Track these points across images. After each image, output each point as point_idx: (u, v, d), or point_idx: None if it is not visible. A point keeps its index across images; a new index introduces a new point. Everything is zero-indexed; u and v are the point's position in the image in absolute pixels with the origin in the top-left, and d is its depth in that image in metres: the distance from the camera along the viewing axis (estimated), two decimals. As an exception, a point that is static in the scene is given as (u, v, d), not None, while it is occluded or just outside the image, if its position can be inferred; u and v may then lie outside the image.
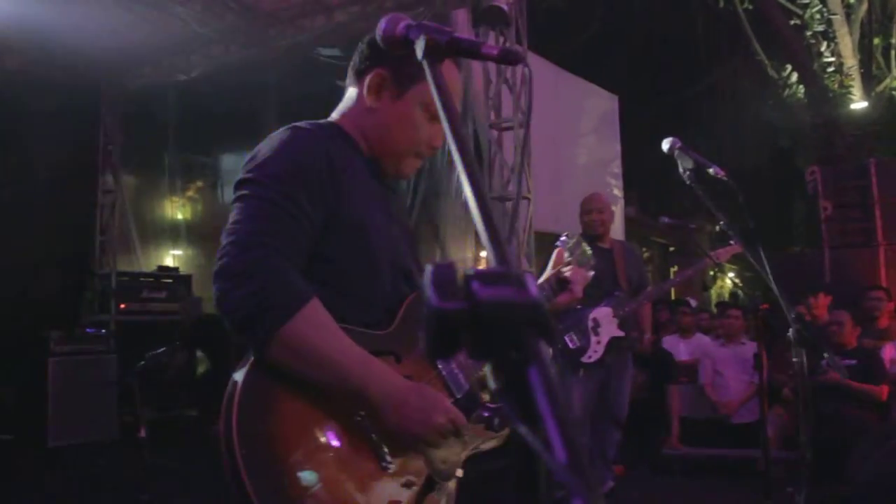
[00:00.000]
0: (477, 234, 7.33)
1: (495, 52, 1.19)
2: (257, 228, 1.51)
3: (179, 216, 10.21)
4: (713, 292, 17.99)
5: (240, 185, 1.60)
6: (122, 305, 8.36)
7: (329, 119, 1.82)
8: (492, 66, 7.21)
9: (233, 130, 9.58)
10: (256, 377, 1.45)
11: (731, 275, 19.83)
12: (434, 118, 1.73)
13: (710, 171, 2.98)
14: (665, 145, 3.04)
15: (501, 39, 7.14)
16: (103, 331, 7.94)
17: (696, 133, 17.64)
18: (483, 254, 6.96)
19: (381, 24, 1.21)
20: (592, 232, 5.07)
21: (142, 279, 8.80)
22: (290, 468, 1.40)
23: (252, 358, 1.47)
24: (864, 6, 12.84)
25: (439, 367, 1.69)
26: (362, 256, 1.65)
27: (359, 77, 1.78)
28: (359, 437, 1.51)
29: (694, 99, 16.78)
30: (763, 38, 13.63)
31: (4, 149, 8.38)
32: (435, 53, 1.12)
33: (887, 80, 13.07)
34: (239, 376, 1.45)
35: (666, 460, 6.53)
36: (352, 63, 1.82)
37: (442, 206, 7.11)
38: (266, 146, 1.64)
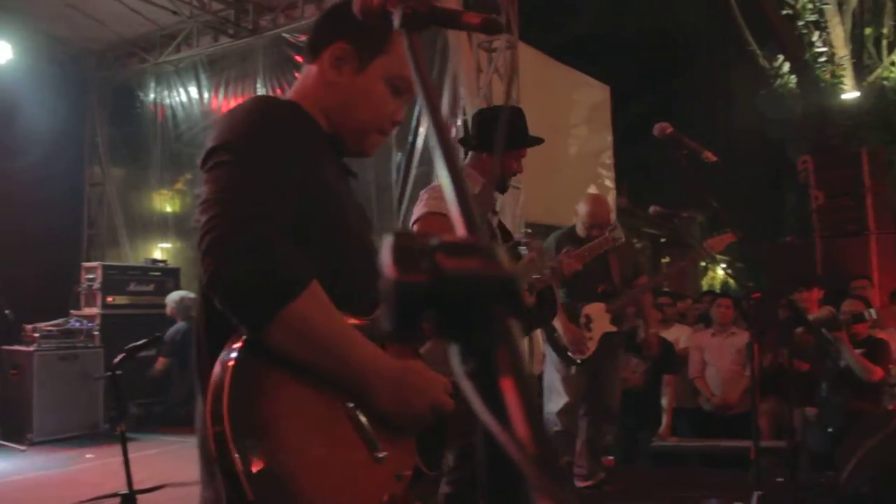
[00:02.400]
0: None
1: (476, 20, 1.14)
2: (249, 199, 1.40)
3: (168, 209, 10.10)
4: (705, 283, 17.98)
5: (215, 152, 1.47)
6: (110, 299, 8.28)
7: (286, 98, 1.72)
8: (483, 55, 7.17)
9: (221, 121, 9.46)
10: (249, 359, 1.35)
11: (722, 265, 19.87)
12: (397, 92, 1.67)
13: (704, 155, 2.96)
14: (656, 130, 3.01)
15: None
16: (90, 324, 7.87)
17: (687, 123, 17.68)
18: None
19: None
20: (587, 238, 4.83)
21: (129, 272, 8.72)
22: (285, 458, 1.32)
23: (242, 339, 1.37)
24: (856, -4, 12.87)
25: (420, 353, 1.64)
26: (342, 238, 1.58)
27: (317, 52, 1.69)
28: (351, 426, 1.44)
29: (686, 89, 16.76)
30: (755, 29, 13.63)
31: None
32: (413, 23, 1.06)
33: (878, 70, 13.09)
34: (228, 357, 1.35)
35: (657, 452, 6.51)
36: (308, 38, 1.73)
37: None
38: (240, 114, 1.54)
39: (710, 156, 2.92)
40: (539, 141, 3.38)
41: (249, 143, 1.47)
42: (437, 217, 2.86)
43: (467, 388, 0.59)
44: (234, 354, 1.35)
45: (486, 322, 0.60)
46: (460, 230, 0.71)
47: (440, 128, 0.86)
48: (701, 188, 2.77)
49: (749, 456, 4.55)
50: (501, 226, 3.38)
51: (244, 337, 1.37)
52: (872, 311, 6.22)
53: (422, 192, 3.10)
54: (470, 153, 3.36)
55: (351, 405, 1.43)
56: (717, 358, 6.67)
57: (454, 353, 0.62)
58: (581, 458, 5.13)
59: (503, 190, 3.36)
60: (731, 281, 20.28)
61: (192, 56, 9.16)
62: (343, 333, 1.42)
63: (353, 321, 1.52)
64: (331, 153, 1.66)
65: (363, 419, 1.44)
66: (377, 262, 1.74)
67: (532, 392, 0.56)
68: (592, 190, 9.64)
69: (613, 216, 10.18)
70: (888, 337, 5.97)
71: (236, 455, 1.27)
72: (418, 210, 2.97)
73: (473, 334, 0.61)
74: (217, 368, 1.34)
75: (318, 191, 1.53)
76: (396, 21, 1.06)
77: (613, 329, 5.00)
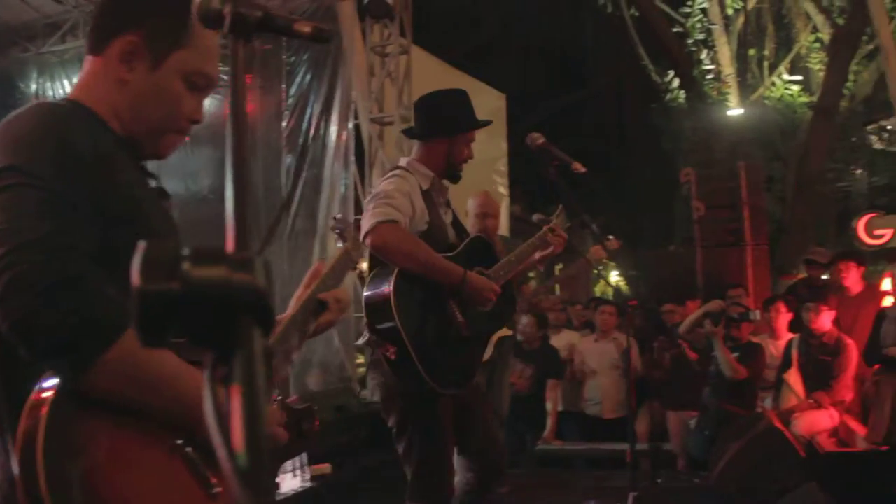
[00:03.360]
0: (357, 227, 7.27)
1: (307, 30, 1.13)
2: (48, 227, 1.23)
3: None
4: (597, 290, 18.40)
5: (1, 174, 1.28)
6: None
7: (67, 97, 1.54)
8: (376, 59, 7.17)
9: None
10: (64, 406, 1.20)
11: (614, 273, 20.42)
12: (195, 88, 1.52)
13: (573, 165, 3.03)
14: (528, 140, 3.06)
15: (387, 32, 7.11)
16: None
17: (584, 133, 18.10)
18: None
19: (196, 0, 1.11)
20: (486, 235, 4.74)
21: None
22: None
23: (56, 384, 1.21)
24: (741, 18, 13.45)
25: None
26: None
27: (102, 44, 1.49)
28: (182, 464, 1.34)
29: (583, 100, 17.17)
30: (648, 44, 14.06)
31: None
32: (242, 30, 1.05)
33: (761, 89, 13.72)
34: (38, 404, 1.19)
35: (542, 455, 6.63)
36: (92, 27, 1.54)
37: (322, 201, 7.00)
38: (21, 129, 1.36)
39: (578, 167, 2.99)
40: (487, 122, 3.28)
41: (39, 163, 1.30)
42: (389, 226, 2.77)
43: (208, 394, 0.59)
44: (45, 400, 1.20)
45: (230, 330, 0.60)
46: (229, 243, 0.70)
47: (239, 143, 0.85)
48: (570, 199, 2.83)
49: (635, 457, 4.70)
50: (456, 221, 3.30)
51: (55, 380, 1.22)
52: (757, 313, 6.53)
53: (366, 201, 3.00)
54: (416, 146, 3.20)
55: (180, 442, 1.34)
56: (598, 363, 6.86)
57: (207, 361, 0.62)
58: None
59: (455, 179, 3.20)
60: (624, 287, 20.88)
61: (77, 47, 8.80)
62: (171, 368, 1.30)
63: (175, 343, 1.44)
64: (126, 157, 1.49)
65: (194, 455, 1.35)
66: None
67: (261, 401, 0.56)
68: (486, 196, 9.77)
69: (505, 223, 10.36)
70: (762, 342, 6.27)
71: None
72: (367, 221, 2.84)
73: (216, 340, 0.61)
74: (26, 419, 1.20)
75: (121, 205, 1.38)
76: (225, 27, 1.04)
77: (508, 333, 5.02)
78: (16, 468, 1.19)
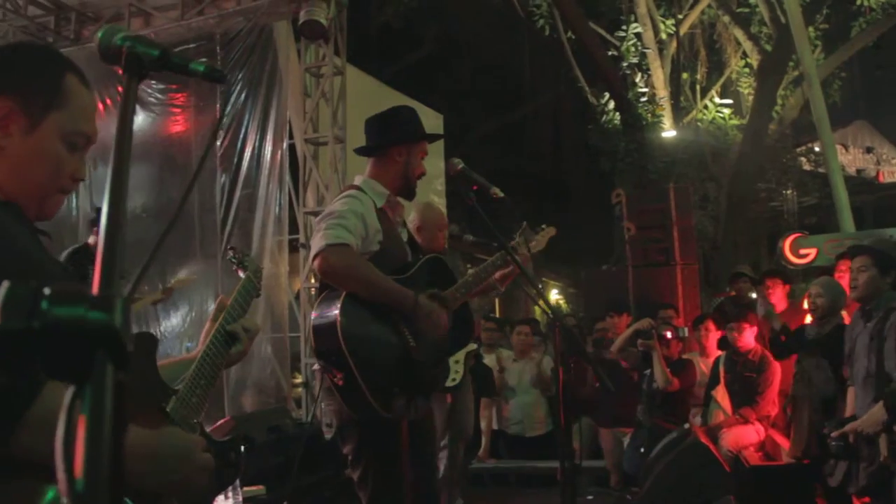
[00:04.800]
0: (294, 248, 7.23)
1: (201, 69, 1.18)
2: None
3: None
4: (536, 308, 18.56)
5: None
6: None
7: None
8: (310, 79, 7.18)
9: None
10: None
11: (554, 291, 20.65)
12: (75, 148, 1.50)
13: (491, 191, 3.07)
14: (448, 167, 3.10)
15: (322, 53, 7.14)
16: None
17: (522, 152, 18.33)
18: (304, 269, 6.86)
19: (98, 34, 1.13)
20: (437, 249, 4.62)
21: None
22: None
23: None
24: (674, 43, 13.82)
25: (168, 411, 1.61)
26: None
27: None
28: None
29: (521, 120, 17.39)
30: (584, 66, 14.33)
31: None
32: (136, 68, 1.07)
33: (693, 112, 14.11)
34: None
35: (476, 473, 6.66)
36: None
37: (256, 221, 6.97)
38: None
39: (496, 193, 3.03)
40: (440, 136, 3.24)
41: None
42: (337, 249, 2.72)
43: (61, 422, 0.62)
44: None
45: (80, 364, 0.63)
46: (95, 283, 0.73)
47: (118, 181, 0.87)
48: (488, 224, 2.87)
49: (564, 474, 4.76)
50: (412, 240, 3.26)
51: None
52: (685, 330, 6.68)
53: (317, 221, 2.94)
54: (370, 165, 3.14)
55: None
56: (517, 382, 6.96)
57: (68, 393, 0.65)
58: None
59: (411, 196, 3.16)
60: (564, 305, 21.12)
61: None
62: None
63: None
64: (10, 220, 1.44)
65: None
66: None
67: (105, 431, 0.59)
68: (424, 216, 9.82)
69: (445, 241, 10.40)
70: (693, 360, 6.42)
71: None
72: (316, 243, 2.78)
73: (80, 376, 0.63)
74: None
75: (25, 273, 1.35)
76: (124, 68, 1.06)
77: (473, 347, 4.95)
78: None
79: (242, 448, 1.77)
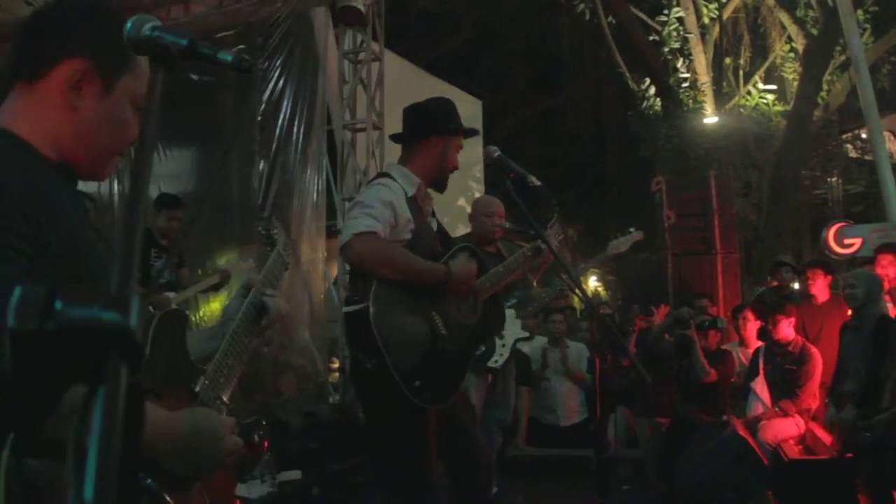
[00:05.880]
0: (332, 234, 7.25)
1: (229, 59, 1.16)
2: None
3: None
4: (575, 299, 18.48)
5: None
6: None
7: None
8: (348, 65, 7.18)
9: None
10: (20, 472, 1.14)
11: (593, 278, 20.51)
12: (138, 110, 1.49)
13: (528, 180, 3.05)
14: (484, 154, 3.08)
15: (359, 39, 7.13)
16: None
17: (561, 139, 18.18)
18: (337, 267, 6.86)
19: (127, 25, 1.12)
20: (489, 236, 4.68)
21: None
22: None
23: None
24: (717, 28, 13.56)
25: (197, 391, 1.60)
26: (92, 281, 1.37)
27: (39, 70, 1.42)
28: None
29: (560, 106, 17.22)
30: (625, 51, 14.14)
31: None
32: (164, 59, 1.06)
33: (736, 98, 13.84)
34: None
35: (511, 461, 6.65)
36: (22, 51, 1.45)
37: (294, 208, 7.00)
38: None
39: (533, 181, 3.01)
40: (476, 132, 3.23)
41: None
42: (365, 237, 2.74)
43: (74, 425, 0.61)
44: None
45: (93, 366, 0.62)
46: (113, 283, 0.71)
47: (140, 177, 0.86)
48: (523, 212, 2.85)
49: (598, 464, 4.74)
50: (442, 230, 3.26)
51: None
52: (725, 321, 6.59)
53: (347, 209, 2.96)
54: (403, 152, 3.15)
55: (148, 481, 1.35)
56: (552, 371, 6.93)
57: (81, 395, 0.64)
58: None
59: (442, 188, 3.16)
60: (603, 293, 20.97)
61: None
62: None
63: None
64: (58, 183, 1.43)
65: (155, 488, 1.36)
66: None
67: (115, 435, 0.58)
68: (462, 203, 9.79)
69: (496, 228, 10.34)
70: (732, 351, 6.33)
71: None
72: (344, 233, 2.81)
73: (84, 375, 0.63)
74: None
75: (57, 245, 1.31)
76: (152, 58, 1.06)
77: (526, 335, 4.95)
78: None
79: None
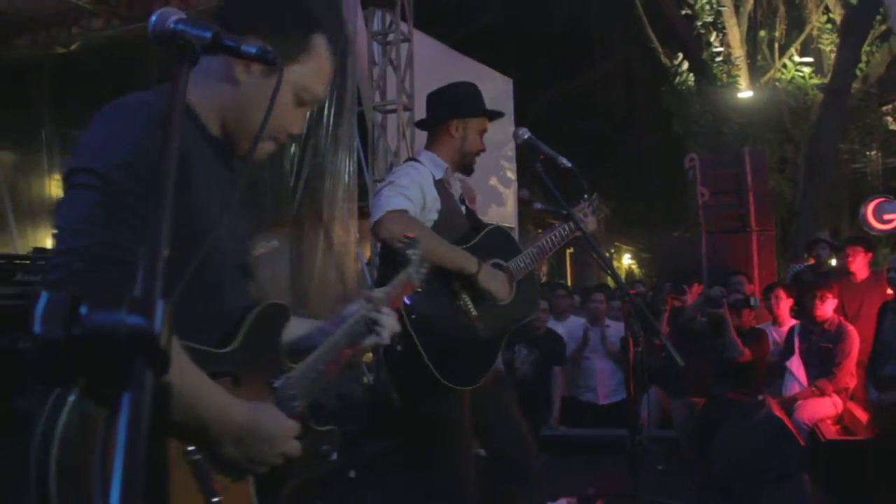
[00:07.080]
0: (364, 215, 7.27)
1: (254, 50, 1.17)
2: (104, 238, 1.27)
3: (60, 194, 9.73)
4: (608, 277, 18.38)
5: (75, 173, 1.33)
6: (-6, 288, 7.94)
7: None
8: (376, 46, 7.17)
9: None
10: (83, 411, 1.15)
11: (627, 256, 20.39)
12: (300, 103, 1.58)
13: (558, 161, 3.03)
14: (514, 136, 3.06)
15: (388, 19, 7.11)
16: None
17: (591, 117, 18.01)
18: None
19: (152, 19, 1.13)
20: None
21: (16, 262, 8.37)
22: None
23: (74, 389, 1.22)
24: (751, 0, 13.31)
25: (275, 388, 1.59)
26: (205, 260, 1.37)
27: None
28: (190, 472, 1.36)
29: (591, 83, 17.05)
30: (657, 26, 13.95)
31: None
32: (189, 53, 1.07)
33: (771, 72, 13.59)
34: (58, 407, 1.17)
35: (545, 440, 6.65)
36: (219, 23, 1.44)
37: (326, 190, 7.01)
38: (102, 127, 1.39)
39: (563, 163, 2.99)
40: (501, 114, 3.25)
41: (113, 169, 1.32)
42: (397, 214, 2.76)
43: (101, 431, 0.62)
44: (69, 403, 1.18)
45: (120, 371, 0.63)
46: (138, 287, 0.71)
47: (165, 170, 0.86)
48: (554, 194, 2.83)
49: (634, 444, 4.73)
50: (470, 213, 3.26)
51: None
52: (757, 299, 6.51)
53: (376, 190, 2.98)
54: (428, 137, 3.16)
55: (191, 449, 1.36)
56: (591, 350, 6.90)
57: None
58: None
59: (468, 171, 3.17)
60: (637, 270, 20.82)
61: (83, 39, 8.86)
62: (191, 383, 1.32)
63: (214, 351, 1.45)
64: (211, 156, 1.53)
65: (204, 464, 1.38)
66: (244, 274, 1.61)
67: (141, 441, 0.58)
68: (493, 182, 9.76)
69: (513, 208, 10.34)
70: (765, 330, 6.25)
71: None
72: (375, 210, 2.82)
73: (110, 380, 0.63)
74: (48, 414, 1.15)
75: (184, 205, 1.33)
76: (175, 52, 1.06)
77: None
78: None
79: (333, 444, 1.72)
